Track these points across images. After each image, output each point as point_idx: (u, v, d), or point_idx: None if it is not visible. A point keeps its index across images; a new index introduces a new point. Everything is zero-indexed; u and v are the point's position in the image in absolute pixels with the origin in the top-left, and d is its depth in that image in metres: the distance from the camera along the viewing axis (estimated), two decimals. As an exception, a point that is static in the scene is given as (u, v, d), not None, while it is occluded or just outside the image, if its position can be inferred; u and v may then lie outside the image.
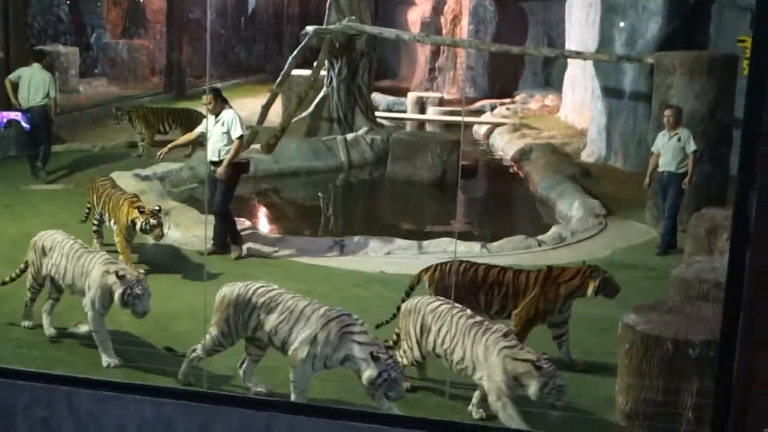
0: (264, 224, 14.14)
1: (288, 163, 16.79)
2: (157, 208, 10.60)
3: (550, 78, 27.56)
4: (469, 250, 11.66)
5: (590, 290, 8.34)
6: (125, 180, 13.87)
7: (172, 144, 11.97)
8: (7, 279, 9.01)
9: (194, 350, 7.51)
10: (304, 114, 18.46)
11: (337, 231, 13.75)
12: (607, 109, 17.78)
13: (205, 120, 11.50)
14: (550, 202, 14.95)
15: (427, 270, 8.63)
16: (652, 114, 13.67)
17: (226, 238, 11.39)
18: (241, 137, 11.29)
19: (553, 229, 12.85)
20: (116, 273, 7.87)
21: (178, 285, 10.10)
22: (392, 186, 16.65)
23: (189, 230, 11.76)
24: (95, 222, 11.17)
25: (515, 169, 17.84)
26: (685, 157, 11.79)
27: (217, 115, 11.23)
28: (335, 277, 10.56)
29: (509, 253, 11.73)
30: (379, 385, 6.82)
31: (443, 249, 11.53)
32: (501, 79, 27.56)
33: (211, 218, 11.55)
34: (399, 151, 16.67)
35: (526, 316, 8.25)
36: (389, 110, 24.65)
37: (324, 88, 18.70)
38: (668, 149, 11.87)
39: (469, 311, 7.45)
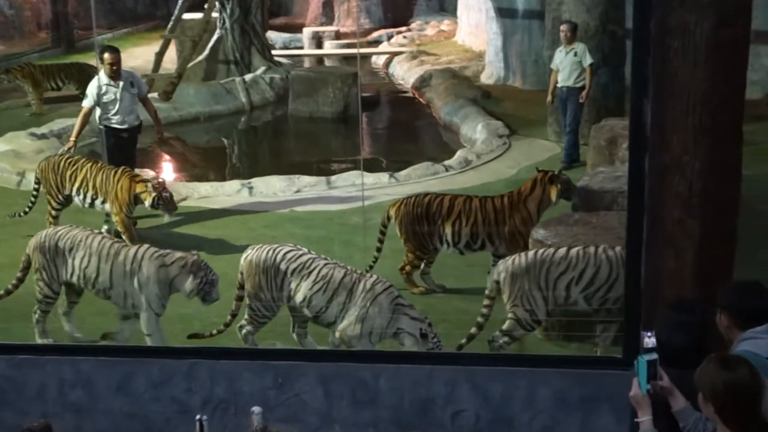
0: (169, 173, 13.92)
1: (188, 109, 16.50)
2: (161, 179, 9.95)
3: (445, 3, 27.48)
4: (378, 181, 11.70)
5: (554, 196, 8.37)
6: (20, 140, 13.53)
7: (75, 134, 10.68)
8: (2, 292, 7.82)
9: (242, 327, 7.15)
10: (200, 58, 18.12)
11: (244, 173, 13.62)
12: (503, 29, 17.86)
13: (93, 90, 10.34)
14: (454, 127, 15.04)
15: (393, 205, 8.63)
16: (546, 31, 13.78)
17: None
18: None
19: (459, 153, 12.94)
20: (183, 264, 7.12)
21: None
22: (295, 124, 16.53)
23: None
24: (56, 206, 9.99)
25: (417, 96, 17.86)
26: (582, 71, 11.95)
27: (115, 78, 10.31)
28: (245, 219, 10.50)
29: (417, 180, 11.80)
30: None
31: (351, 182, 11.53)
32: (396, 7, 27.40)
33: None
34: (299, 88, 16.53)
35: (521, 247, 7.93)
36: (286, 48, 24.35)
37: (217, 30, 18.36)
38: (566, 65, 12.01)
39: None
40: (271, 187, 11.65)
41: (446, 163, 12.44)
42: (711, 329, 4.38)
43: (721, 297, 4.41)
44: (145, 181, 9.58)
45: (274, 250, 7.00)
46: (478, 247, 8.36)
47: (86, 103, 10.42)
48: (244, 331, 7.14)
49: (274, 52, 20.39)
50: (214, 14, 18.01)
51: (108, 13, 26.49)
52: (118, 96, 10.28)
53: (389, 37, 24.63)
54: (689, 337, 4.29)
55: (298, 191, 11.56)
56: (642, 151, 5.28)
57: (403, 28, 25.59)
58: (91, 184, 9.73)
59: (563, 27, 12.14)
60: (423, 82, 17.90)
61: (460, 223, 8.37)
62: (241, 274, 7.11)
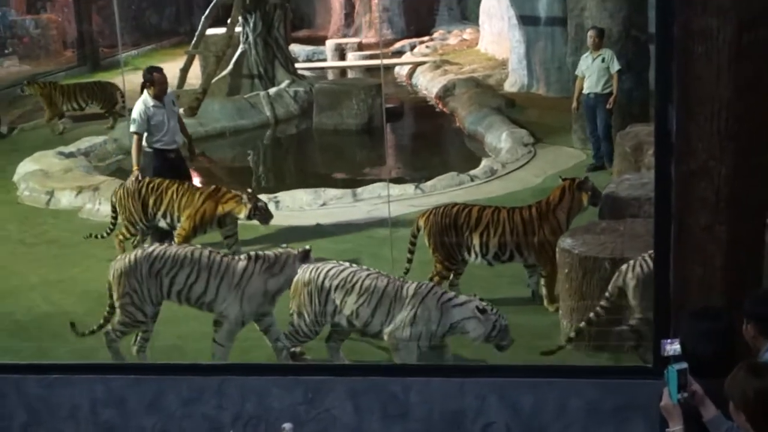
0: (196, 189, 13.99)
1: (213, 124, 16.57)
2: (249, 191, 9.83)
3: (466, 11, 27.50)
4: (403, 192, 11.70)
5: (585, 202, 8.39)
6: (48, 159, 13.63)
7: (135, 163, 10.12)
8: (97, 326, 7.53)
9: (279, 341, 7.21)
10: (224, 73, 18.22)
11: (270, 188, 13.66)
12: (525, 37, 17.82)
13: (141, 114, 10.03)
14: (479, 136, 15.01)
15: (423, 215, 8.64)
16: (569, 38, 13.75)
17: None
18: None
19: (484, 163, 12.92)
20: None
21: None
22: (320, 137, 16.56)
23: (120, 203, 11.56)
24: (133, 233, 9.88)
25: (441, 106, 17.85)
26: (610, 77, 11.90)
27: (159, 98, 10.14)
28: (272, 235, 10.53)
29: (443, 191, 11.78)
30: (493, 337, 6.77)
31: (377, 194, 11.53)
32: (417, 17, 27.43)
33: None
34: (323, 100, 16.57)
35: (550, 257, 7.96)
36: (309, 60, 24.43)
37: (241, 45, 18.45)
38: (593, 71, 11.96)
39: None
40: (298, 201, 11.68)
41: (471, 172, 12.42)
42: (738, 338, 4.34)
43: (747, 306, 4.37)
44: (235, 196, 9.57)
45: (317, 269, 7.07)
46: (506, 258, 8.34)
47: (137, 129, 10.07)
48: (280, 344, 7.18)
49: (297, 65, 20.47)
50: (237, 29, 18.11)
51: (132, 30, 26.70)
52: (166, 118, 10.15)
53: (412, 48, 24.65)
54: (715, 346, 4.25)
55: (324, 204, 11.58)
56: (668, 157, 5.26)
57: (426, 38, 25.61)
58: (176, 206, 9.64)
59: (591, 33, 12.08)
60: (446, 91, 17.90)
61: (488, 234, 8.35)
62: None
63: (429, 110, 18.23)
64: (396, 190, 11.62)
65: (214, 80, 17.20)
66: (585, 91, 12.11)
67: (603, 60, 11.90)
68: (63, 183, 12.51)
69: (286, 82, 18.26)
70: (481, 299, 6.86)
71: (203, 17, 17.68)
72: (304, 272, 7.09)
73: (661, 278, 5.45)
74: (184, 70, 17.27)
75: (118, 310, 7.34)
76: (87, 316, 8.31)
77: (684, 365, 4.05)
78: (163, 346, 7.46)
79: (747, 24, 4.85)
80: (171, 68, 20.60)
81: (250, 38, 18.31)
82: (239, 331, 7.29)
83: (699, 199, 5.13)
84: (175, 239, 9.42)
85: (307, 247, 7.45)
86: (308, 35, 28.19)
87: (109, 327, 7.37)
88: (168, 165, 10.22)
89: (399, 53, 24.52)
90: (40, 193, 12.27)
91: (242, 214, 9.43)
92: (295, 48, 24.12)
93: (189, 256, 7.31)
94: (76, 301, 8.78)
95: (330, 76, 22.69)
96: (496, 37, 21.49)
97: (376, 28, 27.15)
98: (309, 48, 25.49)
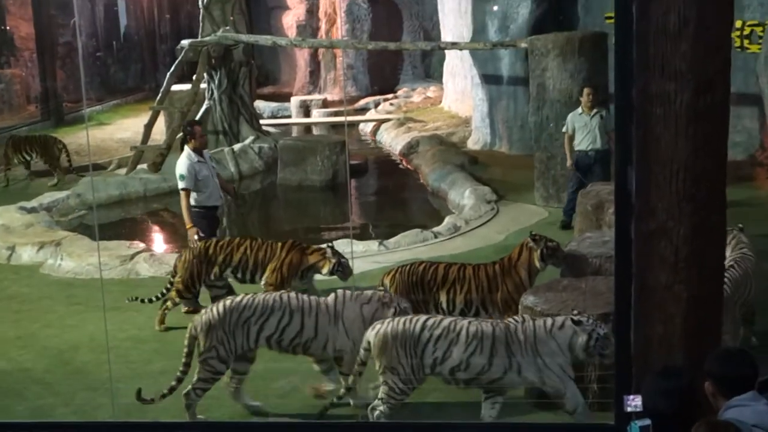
0: (159, 244, 13.94)
1: (177, 180, 16.53)
2: (330, 245, 9.68)
3: (431, 69, 27.83)
4: (367, 249, 11.73)
5: (536, 260, 8.41)
6: (10, 214, 13.54)
7: (188, 220, 9.99)
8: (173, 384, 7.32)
9: (374, 408, 6.93)
10: (189, 129, 18.25)
11: (234, 243, 13.62)
12: (488, 95, 18.06)
13: (188, 170, 9.86)
14: (442, 193, 15.12)
15: (388, 274, 8.66)
16: (531, 97, 13.93)
17: None
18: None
19: (447, 220, 13.00)
20: (378, 299, 7.41)
21: (75, 315, 9.87)
22: (284, 193, 16.61)
23: (82, 259, 11.51)
24: (193, 292, 9.54)
25: (404, 163, 17.99)
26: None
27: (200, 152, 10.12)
28: (237, 289, 10.47)
29: (406, 248, 11.83)
30: (594, 348, 6.69)
31: (341, 250, 11.53)
32: (382, 75, 27.71)
33: (104, 243, 11.38)
34: (287, 157, 16.65)
35: (514, 313, 7.82)
36: (274, 117, 24.58)
37: (206, 101, 18.53)
38: (591, 127, 11.94)
39: None
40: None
41: (435, 229, 12.49)
42: (699, 396, 4.39)
43: (707, 364, 4.43)
44: (319, 249, 9.51)
45: (411, 321, 6.92)
46: (472, 315, 8.35)
47: (186, 185, 9.87)
48: (376, 413, 6.91)
49: (262, 121, 20.58)
50: (203, 85, 18.20)
51: (97, 86, 26.76)
52: (210, 172, 10.04)
53: (376, 105, 24.88)
54: (676, 404, 4.30)
55: (288, 260, 11.56)
56: (628, 216, 5.33)
57: (390, 95, 25.87)
58: (251, 261, 9.43)
59: (587, 90, 12.08)
60: (410, 148, 18.05)
61: (455, 291, 8.39)
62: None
63: (393, 167, 18.35)
64: (360, 246, 11.65)
65: (178, 136, 17.21)
66: (583, 148, 12.06)
67: (602, 117, 11.96)
68: (24, 238, 12.42)
69: (251, 138, 18.33)
70: (572, 309, 6.89)
71: (168, 73, 17.75)
72: (393, 327, 6.87)
73: (623, 336, 5.49)
74: (149, 126, 17.30)
75: (199, 367, 7.24)
76: (46, 373, 8.25)
77: (647, 422, 4.09)
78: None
79: (703, 87, 4.96)
80: (135, 124, 20.73)
81: (215, 94, 18.40)
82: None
83: (659, 258, 5.19)
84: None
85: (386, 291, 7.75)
86: (273, 92, 28.37)
87: (189, 388, 7.23)
88: (215, 223, 10.06)
89: (363, 110, 24.73)
90: (0, 249, 12.16)
91: (325, 270, 9.35)
92: (260, 104, 24.28)
93: (278, 300, 7.41)
94: (35, 358, 8.68)
95: (295, 132, 22.80)
96: (460, 95, 21.74)
97: (341, 85, 27.36)
98: (274, 104, 25.66)
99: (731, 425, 3.85)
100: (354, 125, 22.56)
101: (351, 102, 25.97)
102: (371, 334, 6.90)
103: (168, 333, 9.17)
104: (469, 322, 6.90)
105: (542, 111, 13.05)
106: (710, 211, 5.14)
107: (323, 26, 28.24)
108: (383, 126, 21.25)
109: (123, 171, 16.92)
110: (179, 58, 17.85)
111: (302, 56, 28.28)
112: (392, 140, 19.76)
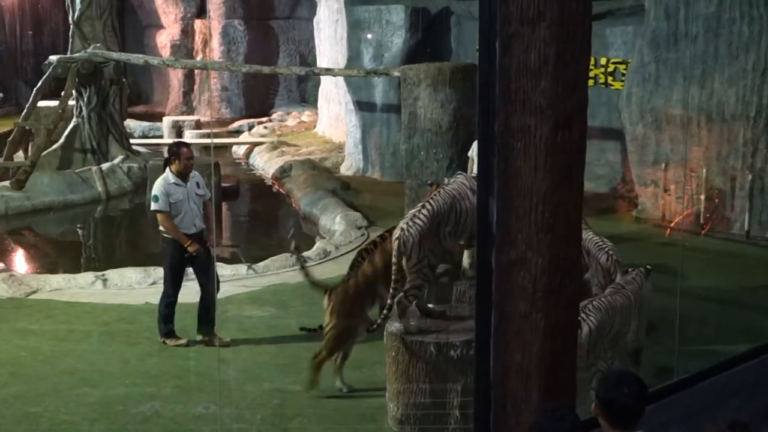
0: (21, 264, 13.53)
1: (41, 198, 16.14)
2: None
3: (306, 94, 27.90)
4: (236, 272, 11.65)
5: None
6: None
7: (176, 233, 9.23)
8: None
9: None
10: (55, 146, 17.81)
11: (99, 265, 13.33)
12: (361, 122, 18.21)
13: (162, 190, 9.30)
14: (314, 218, 15.15)
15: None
16: (403, 125, 14.10)
17: None
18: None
19: (318, 244, 13.03)
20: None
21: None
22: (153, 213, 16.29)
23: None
24: None
25: (277, 186, 17.94)
26: None
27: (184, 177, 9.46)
28: (98, 313, 10.25)
29: (276, 272, 11.81)
30: None
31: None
32: (257, 97, 27.63)
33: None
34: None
35: None
36: (145, 136, 24.18)
37: (74, 119, 18.12)
38: None
39: None
40: (126, 279, 11.46)
41: (305, 254, 12.45)
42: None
43: (596, 385, 4.49)
44: None
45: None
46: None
47: (160, 207, 9.21)
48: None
49: (132, 140, 20.21)
50: (71, 102, 17.79)
51: (-41, 101, 25.86)
52: (187, 197, 9.30)
53: (250, 128, 24.78)
54: None
55: (154, 283, 11.37)
56: (489, 246, 5.42)
57: (265, 119, 25.81)
58: None
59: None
60: (283, 172, 18.03)
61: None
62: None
63: (265, 190, 18.30)
64: (228, 270, 11.56)
65: (44, 153, 16.79)
66: None
67: None
68: None
69: (120, 157, 17.99)
70: None
71: (35, 89, 17.30)
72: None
73: (482, 363, 5.59)
74: (13, 142, 16.80)
75: (412, 276, 7.54)
76: None
77: None
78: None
79: (562, 123, 5.11)
80: (-2, 139, 20.06)
81: (84, 112, 18.02)
82: None
83: (518, 287, 5.30)
84: None
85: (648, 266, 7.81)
86: (145, 111, 27.95)
87: (400, 295, 7.50)
88: (186, 253, 9.24)
89: (237, 132, 24.59)
90: None
91: None
92: (132, 123, 23.89)
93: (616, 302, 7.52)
94: None
95: (166, 153, 22.44)
96: (334, 120, 21.86)
97: (215, 106, 27.18)
98: (146, 124, 25.26)
99: None
100: (227, 147, 22.40)
101: (225, 124, 25.79)
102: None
103: (25, 356, 8.90)
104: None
105: (413, 139, 13.21)
106: (567, 243, 5.28)
107: (198, 47, 28.01)
108: (257, 149, 21.18)
109: (-16, 188, 16.38)
110: (47, 73, 17.41)
111: (176, 76, 27.96)
112: (265, 163, 19.71)
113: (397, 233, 7.71)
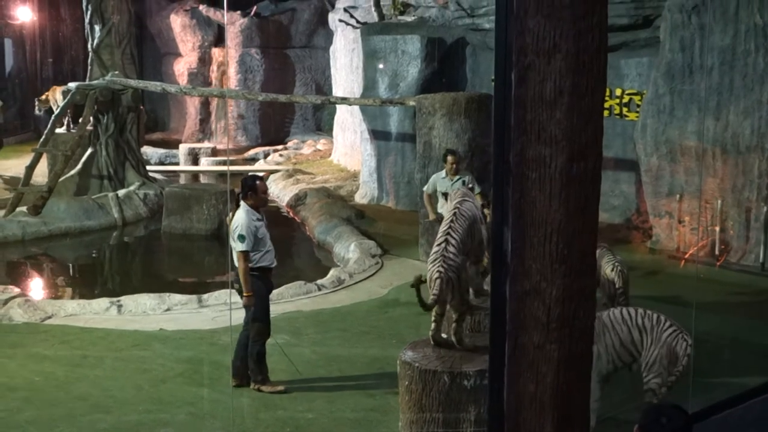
0: (36, 290, 13.58)
1: (58, 224, 16.23)
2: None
3: (321, 122, 28.03)
4: (250, 300, 11.65)
5: None
6: None
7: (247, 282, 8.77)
8: None
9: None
10: (72, 172, 17.94)
11: (114, 291, 13.40)
12: (376, 151, 18.27)
13: (250, 229, 8.75)
14: (328, 246, 15.17)
15: None
16: (418, 154, 14.16)
17: None
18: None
19: (332, 272, 13.04)
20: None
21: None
22: (169, 240, 16.41)
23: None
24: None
25: (291, 214, 17.99)
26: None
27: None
28: (113, 339, 10.29)
29: (290, 299, 11.82)
30: None
31: (223, 301, 11.46)
32: (273, 126, 27.76)
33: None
34: (173, 204, 16.47)
35: None
36: (161, 163, 24.34)
37: (91, 145, 18.24)
38: (452, 193, 12.03)
39: None
40: (141, 305, 11.49)
41: (319, 282, 12.52)
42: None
43: (640, 415, 4.55)
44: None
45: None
46: None
47: (247, 247, 8.67)
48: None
49: (149, 167, 20.34)
50: (89, 128, 17.93)
51: (-22, 125, 26.05)
52: (266, 231, 8.91)
53: (266, 155, 24.89)
54: None
55: (168, 309, 11.42)
56: (503, 276, 5.44)
57: (280, 147, 25.92)
58: None
59: (451, 158, 12.05)
60: (298, 200, 18.08)
61: None
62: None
63: (280, 218, 18.32)
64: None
65: (61, 179, 16.90)
66: (444, 211, 12.09)
67: (464, 183, 12.07)
68: None
69: (136, 184, 18.10)
70: None
71: (54, 116, 17.45)
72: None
73: (496, 393, 5.58)
74: (30, 168, 16.91)
75: (456, 308, 7.70)
76: None
77: None
78: None
79: (577, 154, 5.13)
80: (16, 165, 20.24)
81: (102, 139, 18.14)
82: None
83: (532, 318, 5.30)
84: None
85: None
86: (162, 138, 28.11)
87: (454, 325, 7.70)
88: (270, 286, 9.11)
89: (253, 160, 24.70)
90: None
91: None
92: (148, 150, 24.03)
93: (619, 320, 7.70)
94: None
95: (182, 180, 22.59)
96: (349, 149, 21.93)
97: (231, 134, 27.31)
98: (162, 151, 25.41)
99: None
100: (243, 175, 22.45)
101: (241, 152, 25.91)
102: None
103: (39, 381, 8.93)
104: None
105: (428, 168, 13.26)
106: (581, 274, 5.29)
107: (215, 75, 28.20)
108: (272, 177, 21.26)
109: (1, 213, 16.47)
110: (66, 100, 17.56)
111: (193, 104, 28.14)
112: (280, 191, 19.77)
113: (434, 275, 7.55)
